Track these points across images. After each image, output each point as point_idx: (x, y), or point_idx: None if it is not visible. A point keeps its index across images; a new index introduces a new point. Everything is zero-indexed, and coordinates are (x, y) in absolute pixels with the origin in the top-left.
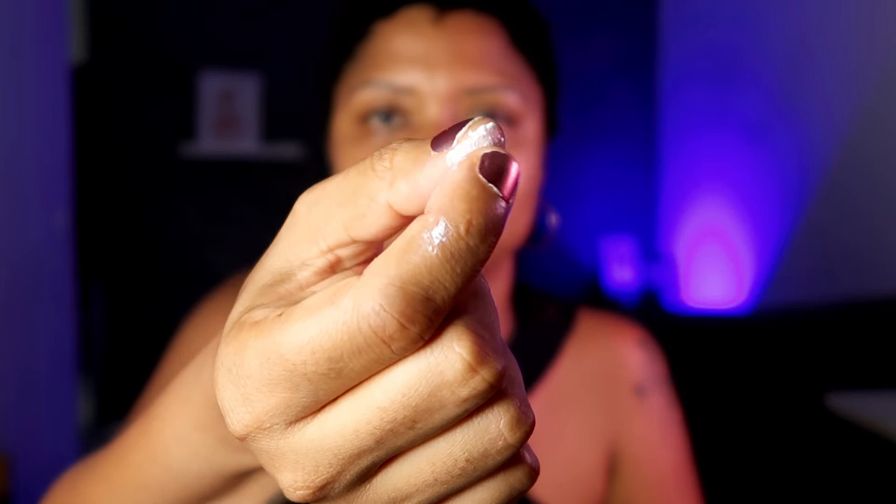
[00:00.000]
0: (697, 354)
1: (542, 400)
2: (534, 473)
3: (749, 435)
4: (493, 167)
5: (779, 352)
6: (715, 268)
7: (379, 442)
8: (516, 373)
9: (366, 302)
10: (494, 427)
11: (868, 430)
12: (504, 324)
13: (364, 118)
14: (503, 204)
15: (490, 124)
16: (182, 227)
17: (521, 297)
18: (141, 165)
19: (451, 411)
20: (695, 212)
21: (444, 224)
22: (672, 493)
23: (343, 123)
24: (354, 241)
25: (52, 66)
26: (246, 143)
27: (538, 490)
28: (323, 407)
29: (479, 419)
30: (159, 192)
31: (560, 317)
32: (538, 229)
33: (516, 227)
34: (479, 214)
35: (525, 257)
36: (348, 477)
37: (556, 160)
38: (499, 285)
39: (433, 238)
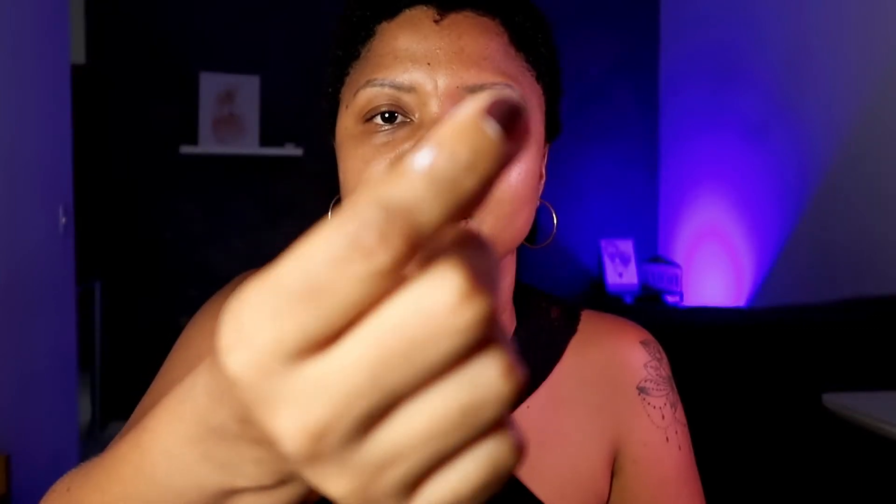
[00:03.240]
0: (697, 354)
1: (545, 399)
2: (519, 451)
3: (748, 434)
4: (500, 110)
5: (777, 352)
6: (715, 268)
7: (374, 378)
8: (504, 332)
9: (345, 215)
10: (486, 375)
11: (865, 429)
12: (505, 323)
13: (367, 117)
14: (499, 143)
15: None
16: (182, 227)
17: (521, 297)
18: (141, 165)
19: (444, 345)
20: (694, 212)
21: (430, 150)
22: (674, 494)
23: (347, 122)
24: None
25: (53, 65)
26: (246, 143)
27: (539, 490)
28: (321, 347)
29: (471, 367)
30: (159, 192)
31: (564, 317)
32: (538, 229)
33: (516, 226)
34: (465, 146)
35: (525, 257)
36: (344, 424)
37: (557, 160)
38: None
39: (417, 161)
